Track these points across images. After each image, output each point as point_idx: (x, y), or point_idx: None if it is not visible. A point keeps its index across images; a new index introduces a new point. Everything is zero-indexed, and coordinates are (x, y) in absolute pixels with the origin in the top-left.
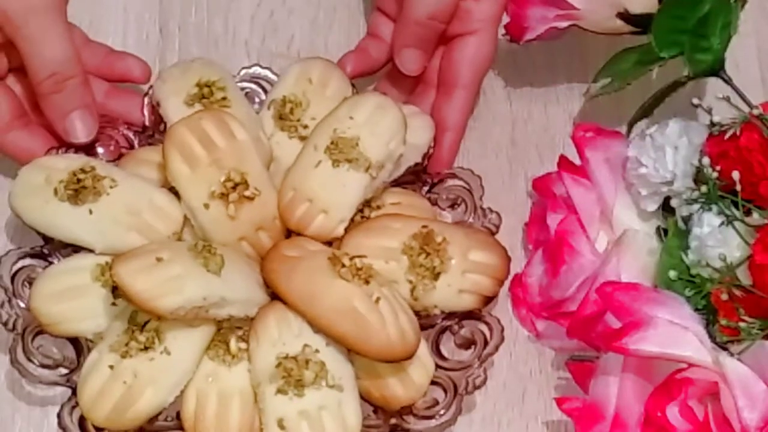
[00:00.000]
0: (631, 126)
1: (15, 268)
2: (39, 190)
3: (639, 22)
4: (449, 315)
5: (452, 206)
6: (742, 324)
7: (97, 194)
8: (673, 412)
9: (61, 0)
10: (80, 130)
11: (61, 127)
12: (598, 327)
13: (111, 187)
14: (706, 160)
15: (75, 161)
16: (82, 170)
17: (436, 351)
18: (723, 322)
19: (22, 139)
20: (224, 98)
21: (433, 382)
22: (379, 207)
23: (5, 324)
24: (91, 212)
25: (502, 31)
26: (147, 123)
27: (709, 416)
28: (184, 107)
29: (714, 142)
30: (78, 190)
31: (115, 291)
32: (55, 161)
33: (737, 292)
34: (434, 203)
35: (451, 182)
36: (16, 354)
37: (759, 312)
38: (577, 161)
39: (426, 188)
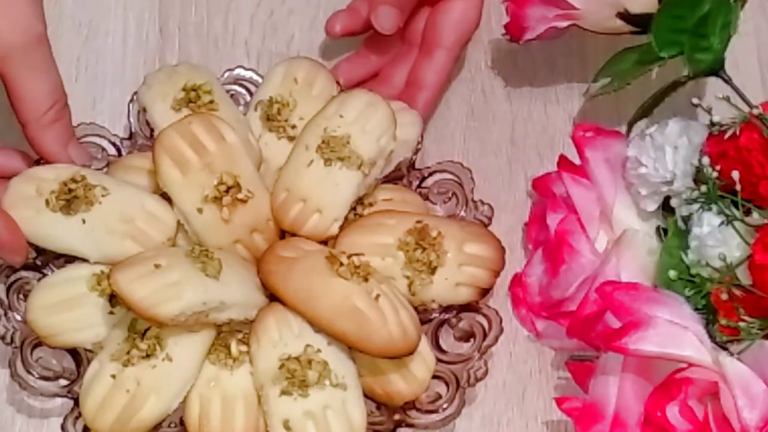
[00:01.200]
0: (630, 126)
1: (9, 281)
2: (30, 201)
3: (639, 22)
4: (447, 308)
5: (444, 200)
6: (741, 324)
7: (89, 203)
8: (672, 412)
9: (39, 27)
10: (83, 153)
11: (65, 155)
12: (597, 327)
13: (103, 196)
14: (705, 160)
15: (65, 171)
16: (73, 180)
17: (436, 345)
18: (723, 321)
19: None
20: (211, 101)
21: (435, 377)
22: (371, 204)
23: (3, 338)
24: (84, 222)
25: (501, 31)
26: (133, 129)
27: (709, 416)
28: (171, 112)
29: (714, 142)
30: (70, 201)
31: (113, 299)
32: (44, 171)
33: (737, 292)
34: (425, 198)
35: (441, 176)
36: (16, 367)
37: (759, 312)
38: (577, 161)
39: (416, 183)
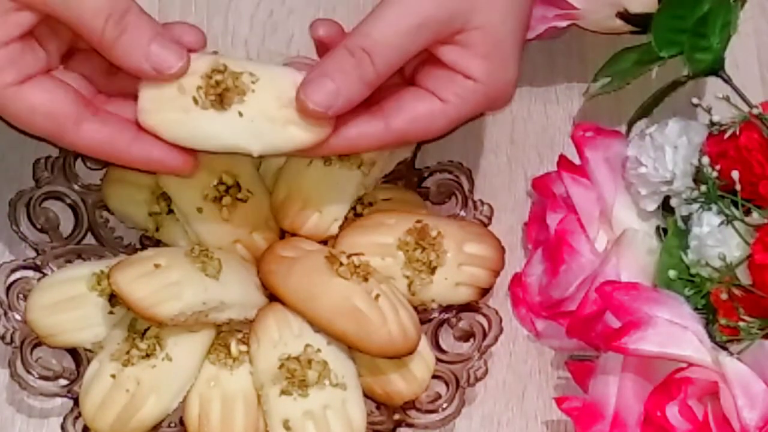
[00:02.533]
0: (630, 125)
1: (9, 281)
2: (174, 102)
3: (638, 22)
4: (447, 308)
5: (443, 200)
6: (741, 323)
7: (241, 93)
8: (672, 412)
9: None
10: (170, 56)
11: (148, 66)
12: (597, 326)
13: (253, 83)
14: (705, 160)
15: (202, 62)
16: (217, 71)
17: (436, 345)
18: (722, 321)
19: (96, 131)
20: None
21: (434, 376)
22: (371, 204)
23: (2, 338)
24: (241, 114)
25: None
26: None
27: (709, 416)
28: None
29: (713, 142)
30: (221, 94)
31: (113, 299)
32: None
33: (737, 292)
34: (425, 198)
35: (440, 176)
36: (16, 367)
37: (758, 311)
38: (577, 161)
39: (416, 183)
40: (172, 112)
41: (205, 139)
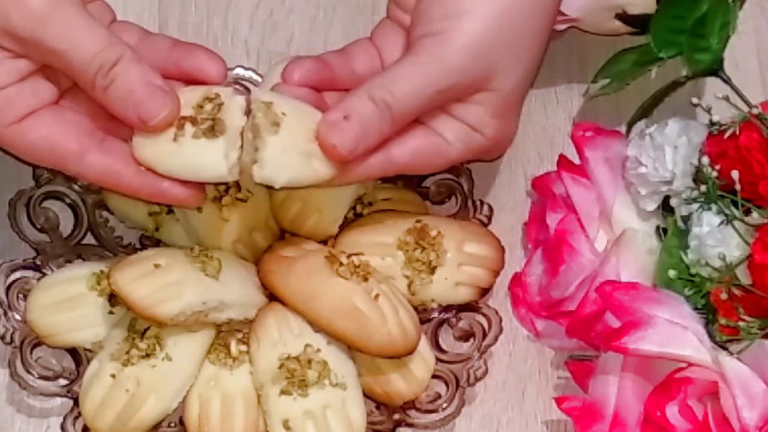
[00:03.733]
0: (630, 125)
1: (9, 280)
2: (165, 134)
3: (637, 23)
4: (447, 308)
5: (443, 200)
6: (741, 323)
7: (275, 125)
8: (672, 412)
9: None
10: (154, 106)
11: (135, 116)
12: (597, 326)
13: (283, 114)
14: (705, 160)
15: (195, 93)
16: (207, 99)
17: (436, 344)
18: (722, 321)
19: (99, 162)
20: None
21: (434, 376)
22: (371, 204)
23: (2, 338)
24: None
25: None
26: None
27: (709, 415)
28: None
29: (713, 142)
30: (213, 123)
31: (113, 299)
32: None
33: (737, 292)
34: (425, 197)
35: (440, 176)
36: (16, 367)
37: (758, 311)
38: (577, 161)
39: (416, 183)
40: (164, 143)
41: (197, 169)
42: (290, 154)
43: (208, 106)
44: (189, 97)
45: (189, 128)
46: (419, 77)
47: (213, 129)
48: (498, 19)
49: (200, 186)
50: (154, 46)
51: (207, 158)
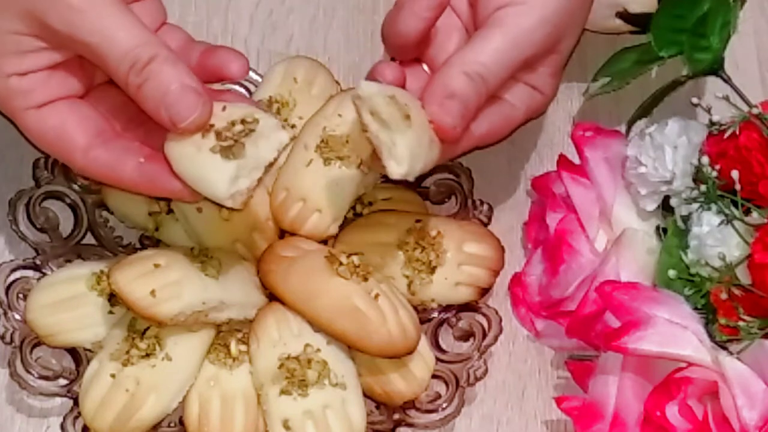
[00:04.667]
0: (630, 125)
1: (8, 280)
2: (195, 138)
3: (638, 22)
4: (446, 308)
5: (443, 200)
6: (741, 323)
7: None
8: (672, 411)
9: None
10: (183, 108)
11: (165, 117)
12: (597, 326)
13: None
14: (705, 160)
15: (239, 110)
16: (244, 121)
17: (435, 344)
18: (722, 321)
19: (98, 157)
20: None
21: (434, 376)
22: (371, 203)
23: (2, 337)
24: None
25: None
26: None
27: (709, 415)
28: None
29: (713, 141)
30: (233, 144)
31: (113, 299)
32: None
33: (736, 292)
34: (425, 197)
35: (440, 176)
36: (16, 367)
37: (758, 311)
38: (577, 160)
39: (416, 183)
40: (188, 146)
41: (200, 181)
42: (423, 144)
43: (238, 127)
44: (232, 111)
45: (212, 139)
46: (507, 46)
47: (230, 149)
48: None
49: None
50: (192, 52)
51: (212, 175)
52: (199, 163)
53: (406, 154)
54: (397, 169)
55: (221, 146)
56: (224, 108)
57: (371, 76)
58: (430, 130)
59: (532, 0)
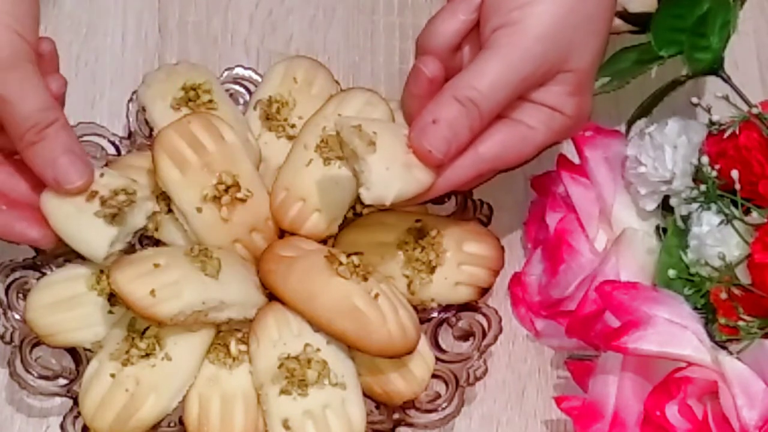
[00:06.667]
0: (630, 125)
1: (8, 280)
2: (76, 198)
3: (638, 21)
4: (446, 308)
5: (442, 199)
6: (741, 323)
7: (371, 144)
8: (672, 411)
9: (28, 49)
10: (72, 173)
11: (51, 176)
12: (597, 326)
13: (375, 132)
14: (705, 159)
15: (119, 180)
16: (125, 191)
17: (435, 344)
18: (722, 321)
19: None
20: (210, 101)
21: (434, 376)
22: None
23: (2, 337)
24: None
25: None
26: (132, 128)
27: (708, 415)
28: (171, 111)
29: (713, 141)
30: (117, 213)
31: (112, 298)
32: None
33: (736, 291)
34: None
35: None
36: (15, 366)
37: (758, 311)
38: (576, 160)
39: None
40: (68, 205)
41: (80, 241)
42: (393, 168)
43: (122, 197)
44: (111, 180)
45: (96, 204)
46: (501, 68)
47: (114, 217)
48: (568, 1)
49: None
50: None
51: (94, 237)
52: (81, 223)
53: (372, 179)
54: (365, 194)
55: (105, 213)
56: (102, 174)
57: (413, 71)
58: (408, 155)
59: (527, 19)
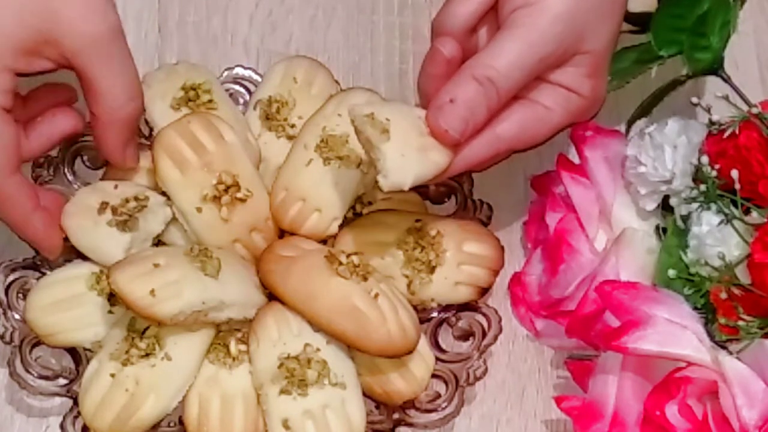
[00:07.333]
0: (630, 125)
1: (8, 280)
2: (91, 211)
3: (638, 21)
4: (446, 308)
5: (443, 199)
6: (741, 323)
7: (385, 132)
8: (672, 411)
9: (114, 18)
10: (135, 157)
11: (121, 156)
12: (597, 326)
13: (387, 119)
14: (705, 159)
15: (130, 188)
16: (136, 198)
17: (435, 344)
18: (722, 320)
19: (24, 184)
20: (210, 101)
21: (434, 376)
22: (370, 203)
23: (2, 337)
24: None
25: None
26: None
27: (708, 415)
28: (171, 111)
29: (713, 141)
30: (128, 219)
31: (112, 298)
32: (109, 186)
33: (736, 291)
34: (424, 197)
35: None
36: (15, 366)
37: (758, 311)
38: (576, 160)
39: None
40: (85, 219)
41: (95, 250)
42: (408, 154)
43: (132, 204)
44: (123, 190)
45: (108, 215)
46: (519, 48)
47: (126, 223)
48: None
49: (56, 246)
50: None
51: (108, 246)
52: (98, 235)
53: (388, 166)
54: (383, 182)
55: (117, 220)
56: (116, 186)
57: (430, 52)
58: (423, 138)
59: (546, 0)
